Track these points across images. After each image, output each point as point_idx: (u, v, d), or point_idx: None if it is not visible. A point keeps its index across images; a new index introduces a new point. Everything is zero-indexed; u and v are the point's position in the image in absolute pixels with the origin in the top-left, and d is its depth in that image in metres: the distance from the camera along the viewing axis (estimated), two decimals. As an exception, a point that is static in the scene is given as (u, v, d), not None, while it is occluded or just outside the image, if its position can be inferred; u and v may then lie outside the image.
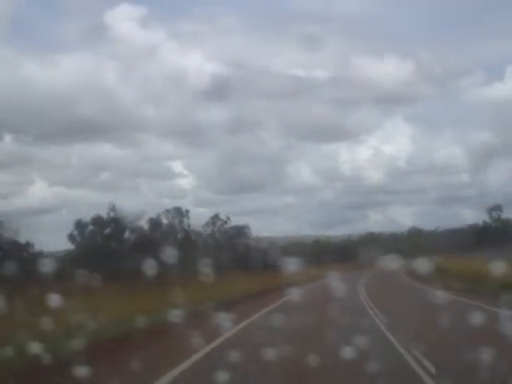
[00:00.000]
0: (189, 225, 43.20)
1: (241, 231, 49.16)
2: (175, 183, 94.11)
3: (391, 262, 38.12)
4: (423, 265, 26.53)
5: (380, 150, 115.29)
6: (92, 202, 75.73)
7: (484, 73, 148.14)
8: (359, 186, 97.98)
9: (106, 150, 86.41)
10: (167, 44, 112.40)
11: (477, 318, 11.76)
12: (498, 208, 78.26)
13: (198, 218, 47.06)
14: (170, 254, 17.45)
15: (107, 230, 32.98)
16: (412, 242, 74.65)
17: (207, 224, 48.49)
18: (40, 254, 24.74)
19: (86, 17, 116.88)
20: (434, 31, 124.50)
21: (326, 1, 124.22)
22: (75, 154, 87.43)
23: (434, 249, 62.18)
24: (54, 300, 11.30)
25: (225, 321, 13.42)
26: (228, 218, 48.74)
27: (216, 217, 48.52)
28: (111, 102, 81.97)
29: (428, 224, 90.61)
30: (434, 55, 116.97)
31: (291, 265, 20.87)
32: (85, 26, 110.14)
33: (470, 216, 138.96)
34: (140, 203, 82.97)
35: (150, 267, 14.90)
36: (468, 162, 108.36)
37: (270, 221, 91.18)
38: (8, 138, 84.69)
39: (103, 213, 32.81)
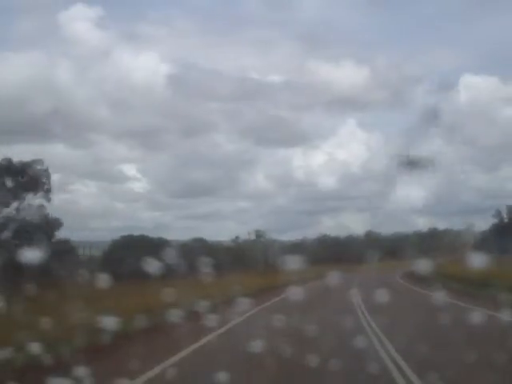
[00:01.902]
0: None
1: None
2: (127, 187, 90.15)
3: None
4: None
5: (334, 155, 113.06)
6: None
7: (437, 80, 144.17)
8: (313, 192, 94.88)
9: (57, 151, 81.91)
10: (121, 45, 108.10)
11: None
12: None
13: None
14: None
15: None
16: (370, 246, 72.91)
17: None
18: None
19: (39, 16, 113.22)
20: (390, 38, 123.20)
21: (282, 5, 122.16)
22: (24, 154, 77.67)
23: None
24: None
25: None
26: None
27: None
28: (63, 101, 77.20)
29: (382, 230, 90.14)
30: (388, 62, 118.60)
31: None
32: (38, 24, 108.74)
33: (420, 222, 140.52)
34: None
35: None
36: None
37: (223, 225, 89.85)
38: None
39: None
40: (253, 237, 64.77)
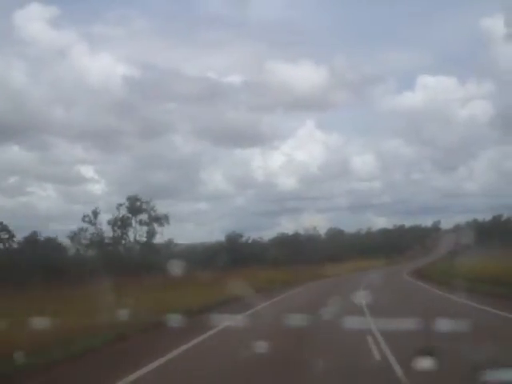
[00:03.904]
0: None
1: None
2: (85, 188, 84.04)
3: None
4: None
5: (293, 156, 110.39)
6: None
7: (396, 81, 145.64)
8: (272, 193, 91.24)
9: (12, 152, 76.83)
10: (78, 45, 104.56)
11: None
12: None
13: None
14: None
15: None
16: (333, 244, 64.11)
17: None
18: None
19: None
20: (349, 39, 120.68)
21: (241, 6, 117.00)
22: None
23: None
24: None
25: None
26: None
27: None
28: (19, 102, 73.86)
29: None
30: (348, 62, 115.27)
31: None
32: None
33: (382, 222, 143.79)
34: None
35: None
36: (379, 170, 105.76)
37: (182, 227, 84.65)
38: None
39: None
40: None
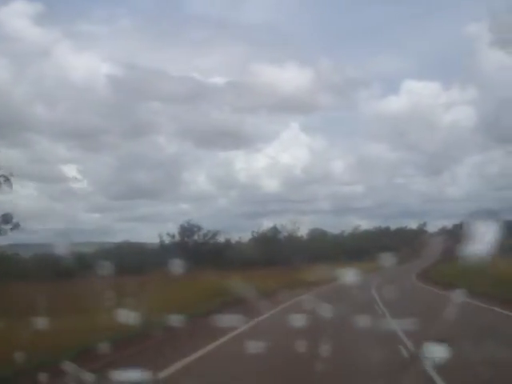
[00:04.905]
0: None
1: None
2: (67, 187, 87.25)
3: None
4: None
5: (277, 158, 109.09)
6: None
7: (381, 85, 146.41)
8: (255, 195, 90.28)
9: None
10: (63, 43, 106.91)
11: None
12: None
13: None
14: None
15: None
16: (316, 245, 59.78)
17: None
18: None
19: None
20: (335, 42, 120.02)
21: (226, 7, 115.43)
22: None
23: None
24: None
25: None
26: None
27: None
28: (1, 100, 72.31)
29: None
30: (333, 66, 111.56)
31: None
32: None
33: (366, 225, 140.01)
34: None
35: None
36: (363, 173, 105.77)
37: (165, 227, 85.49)
38: None
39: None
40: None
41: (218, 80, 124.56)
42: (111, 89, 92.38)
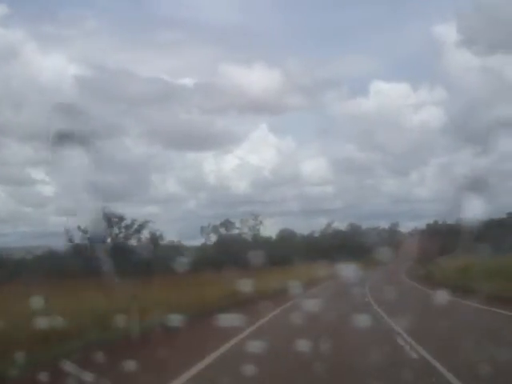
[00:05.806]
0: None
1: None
2: (35, 190, 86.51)
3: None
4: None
5: (246, 159, 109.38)
6: None
7: (349, 86, 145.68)
8: (224, 196, 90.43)
9: None
10: (29, 45, 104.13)
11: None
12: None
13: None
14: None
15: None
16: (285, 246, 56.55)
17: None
18: None
19: None
20: (303, 43, 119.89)
21: (194, 9, 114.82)
22: None
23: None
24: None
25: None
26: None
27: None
28: None
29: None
30: (302, 67, 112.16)
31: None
32: None
33: (336, 226, 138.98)
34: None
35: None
36: (332, 174, 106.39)
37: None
38: None
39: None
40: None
41: (187, 81, 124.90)
42: (78, 90, 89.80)
